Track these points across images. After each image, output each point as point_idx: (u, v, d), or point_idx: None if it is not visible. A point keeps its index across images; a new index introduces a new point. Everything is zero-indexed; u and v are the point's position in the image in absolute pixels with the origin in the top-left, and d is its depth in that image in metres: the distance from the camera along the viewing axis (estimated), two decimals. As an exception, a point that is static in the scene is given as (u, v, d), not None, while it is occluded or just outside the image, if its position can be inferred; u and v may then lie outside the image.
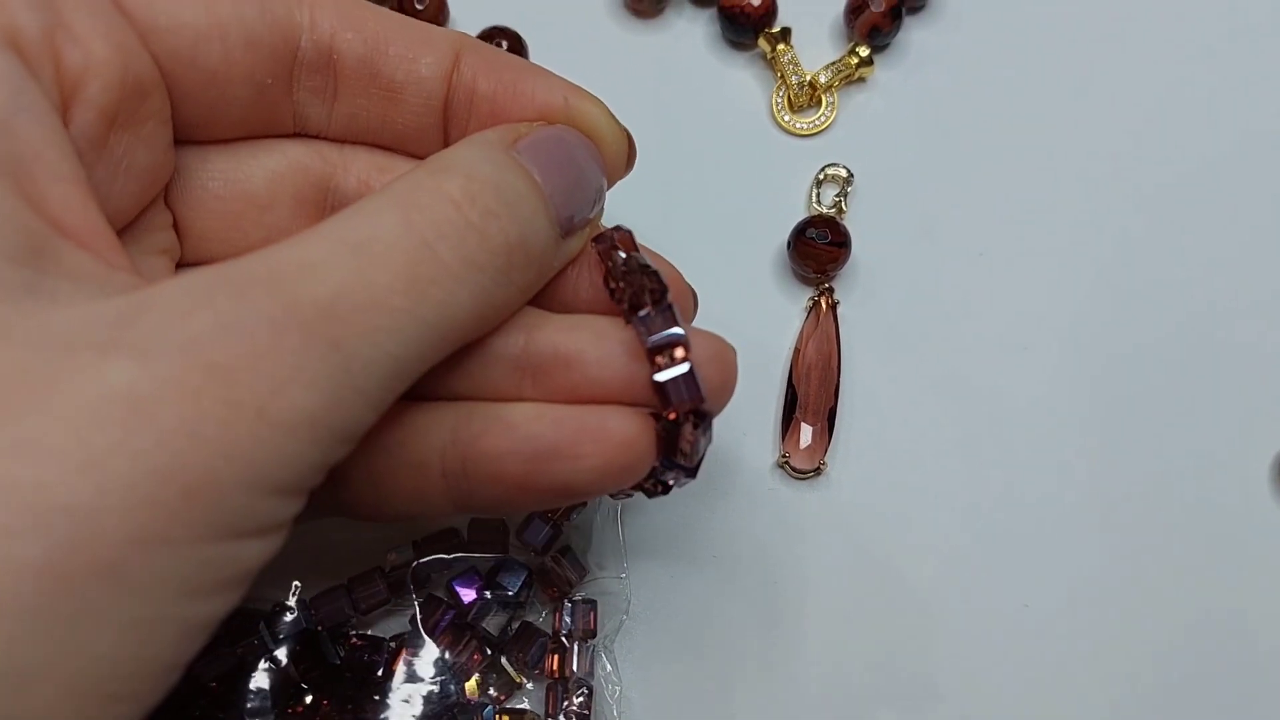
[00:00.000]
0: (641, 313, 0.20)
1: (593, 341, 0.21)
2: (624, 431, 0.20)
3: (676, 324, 0.20)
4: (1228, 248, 0.31)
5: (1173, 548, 0.29)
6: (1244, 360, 0.30)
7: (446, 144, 0.23)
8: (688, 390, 0.20)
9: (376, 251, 0.17)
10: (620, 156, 0.23)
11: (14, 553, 0.14)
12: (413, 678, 0.26)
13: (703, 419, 0.21)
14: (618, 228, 0.22)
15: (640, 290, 0.20)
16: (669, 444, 0.21)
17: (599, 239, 0.22)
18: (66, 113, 0.19)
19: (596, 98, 0.22)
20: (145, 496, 0.15)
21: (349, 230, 0.18)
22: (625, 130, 0.23)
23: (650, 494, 0.22)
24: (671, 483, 0.22)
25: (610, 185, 0.23)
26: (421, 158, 0.23)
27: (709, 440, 0.21)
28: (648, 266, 0.21)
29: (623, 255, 0.21)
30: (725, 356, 0.22)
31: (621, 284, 0.21)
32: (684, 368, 0.20)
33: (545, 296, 0.22)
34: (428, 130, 0.23)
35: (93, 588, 0.15)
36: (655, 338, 0.20)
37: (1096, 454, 0.30)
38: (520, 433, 0.20)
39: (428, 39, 0.22)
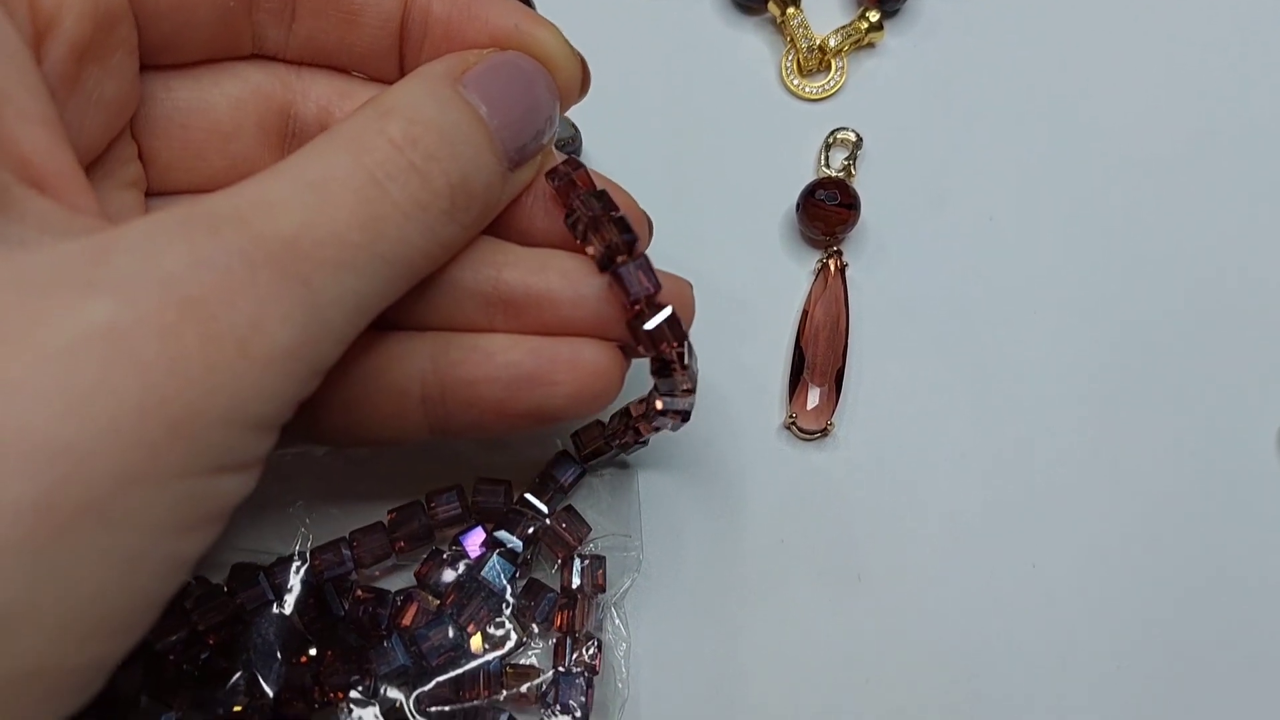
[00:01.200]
0: (620, 267, 0.21)
1: (562, 282, 0.22)
2: (596, 361, 0.22)
3: (652, 274, 0.21)
4: (1239, 214, 0.31)
5: (1179, 512, 0.29)
6: (1252, 326, 0.30)
7: (402, 66, 0.23)
8: (673, 331, 0.21)
9: (333, 189, 0.18)
10: (574, 82, 0.23)
11: (4, 494, 0.14)
12: (417, 630, 0.26)
13: (688, 350, 0.22)
14: (571, 162, 0.22)
15: (614, 243, 0.21)
16: (666, 377, 0.22)
17: (554, 174, 0.22)
18: (39, 48, 0.18)
19: (549, 22, 0.22)
20: (130, 434, 0.15)
21: (305, 170, 0.18)
22: (579, 55, 0.23)
23: (675, 428, 0.24)
24: (687, 408, 0.24)
25: (563, 111, 0.23)
26: (379, 79, 0.23)
27: (696, 363, 0.23)
28: (615, 213, 0.22)
29: (589, 201, 0.22)
30: (686, 295, 0.23)
31: (590, 234, 0.22)
32: (667, 312, 0.21)
33: (502, 225, 0.22)
34: (384, 52, 0.23)
35: (81, 527, 0.15)
36: (636, 291, 0.21)
37: (1103, 417, 0.30)
38: (498, 360, 0.21)
39: None
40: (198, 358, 0.16)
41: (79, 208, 0.18)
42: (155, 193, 0.22)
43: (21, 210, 0.17)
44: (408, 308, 0.21)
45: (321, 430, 0.22)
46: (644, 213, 0.24)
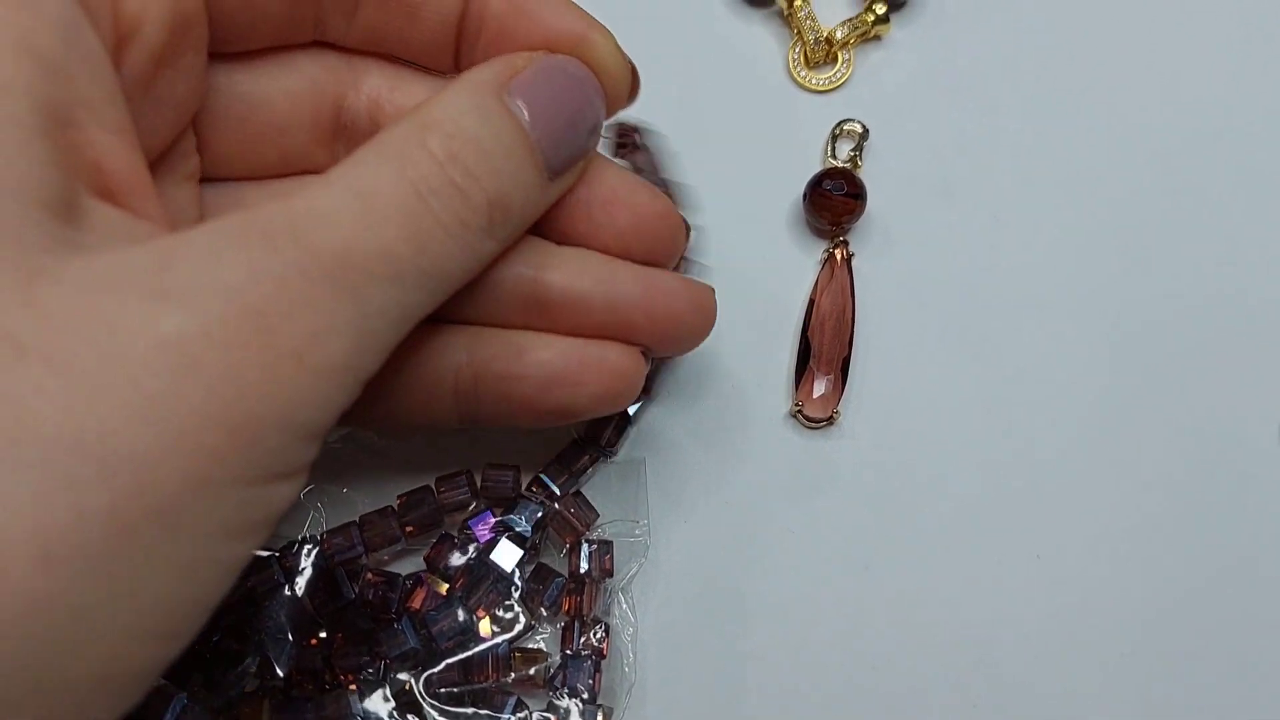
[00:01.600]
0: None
1: (598, 287, 0.22)
2: (621, 364, 0.23)
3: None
4: (1247, 208, 0.31)
5: (1184, 501, 0.29)
6: (1258, 316, 0.31)
7: (458, 59, 0.23)
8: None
9: (379, 203, 0.18)
10: (622, 88, 0.23)
11: (82, 501, 0.14)
12: (426, 613, 0.26)
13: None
14: (636, 132, 0.23)
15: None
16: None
17: (625, 148, 0.23)
18: (118, 55, 0.18)
19: (604, 27, 0.23)
20: (196, 442, 0.15)
21: (352, 181, 0.18)
22: (630, 63, 0.23)
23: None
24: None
25: (609, 116, 0.23)
26: (433, 71, 0.24)
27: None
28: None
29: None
30: (707, 300, 0.25)
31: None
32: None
33: (541, 225, 0.23)
34: (441, 46, 0.23)
35: (149, 532, 0.15)
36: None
37: (1108, 408, 0.30)
38: (530, 359, 0.22)
39: None
40: (258, 368, 0.16)
41: (145, 215, 0.18)
42: (206, 179, 0.23)
43: (91, 220, 0.17)
44: (448, 302, 0.21)
45: (353, 413, 0.22)
46: (683, 218, 0.25)
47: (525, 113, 0.20)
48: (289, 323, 0.16)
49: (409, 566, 0.28)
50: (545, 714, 0.26)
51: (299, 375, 0.16)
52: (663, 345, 0.24)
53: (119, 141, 0.18)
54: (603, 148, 0.25)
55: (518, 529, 0.27)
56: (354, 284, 0.17)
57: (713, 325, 0.25)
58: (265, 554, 0.26)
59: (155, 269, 0.16)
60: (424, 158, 0.19)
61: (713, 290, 0.25)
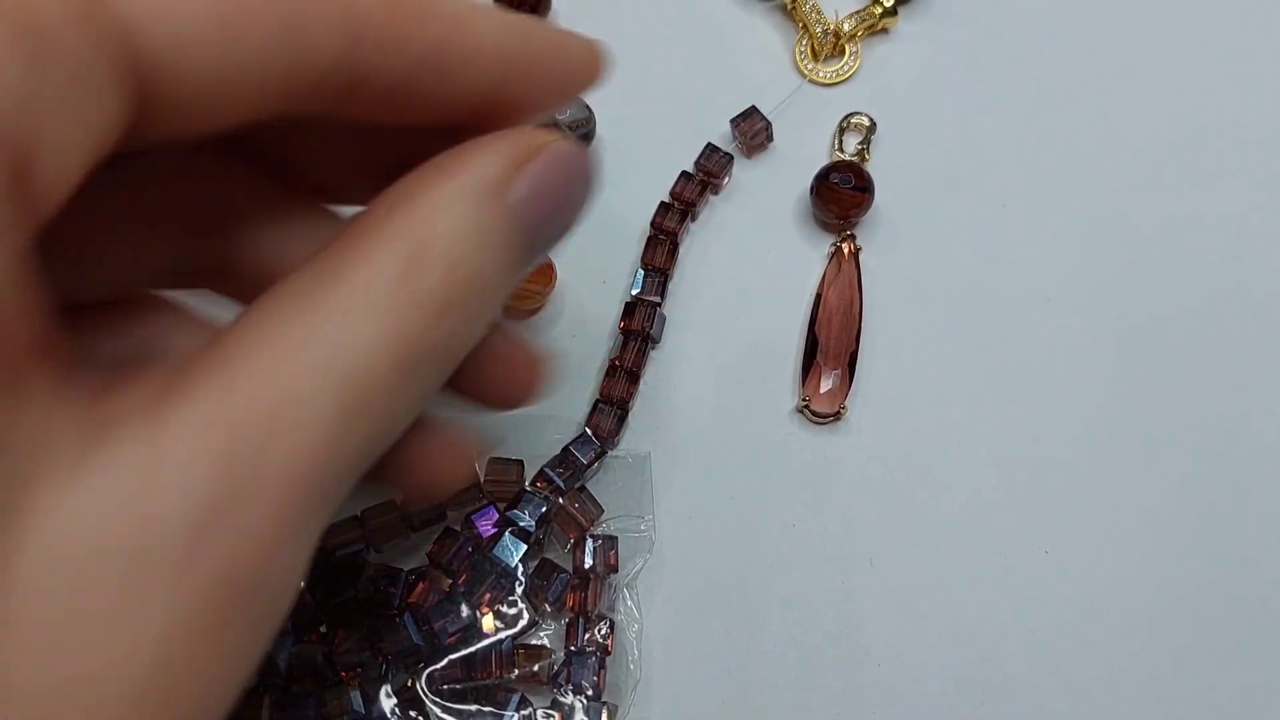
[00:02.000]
0: None
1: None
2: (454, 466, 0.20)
3: None
4: (1255, 200, 0.31)
5: (1192, 498, 0.29)
6: (1267, 310, 0.30)
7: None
8: None
9: (362, 392, 0.15)
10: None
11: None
12: (429, 609, 0.26)
13: None
14: None
15: None
16: None
17: None
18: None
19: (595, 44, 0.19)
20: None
21: (336, 357, 0.15)
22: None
23: None
24: None
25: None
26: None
27: None
28: None
29: None
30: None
31: None
32: None
33: None
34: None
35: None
36: None
37: (1116, 403, 0.30)
38: None
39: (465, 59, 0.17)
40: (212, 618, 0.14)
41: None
42: None
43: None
44: None
45: None
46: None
47: (521, 210, 0.17)
48: (250, 574, 0.14)
49: (412, 561, 0.27)
50: (549, 711, 0.26)
51: (249, 609, 0.15)
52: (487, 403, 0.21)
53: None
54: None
55: (522, 524, 0.27)
56: (302, 511, 0.15)
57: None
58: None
59: (137, 486, 0.14)
60: (418, 316, 0.16)
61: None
